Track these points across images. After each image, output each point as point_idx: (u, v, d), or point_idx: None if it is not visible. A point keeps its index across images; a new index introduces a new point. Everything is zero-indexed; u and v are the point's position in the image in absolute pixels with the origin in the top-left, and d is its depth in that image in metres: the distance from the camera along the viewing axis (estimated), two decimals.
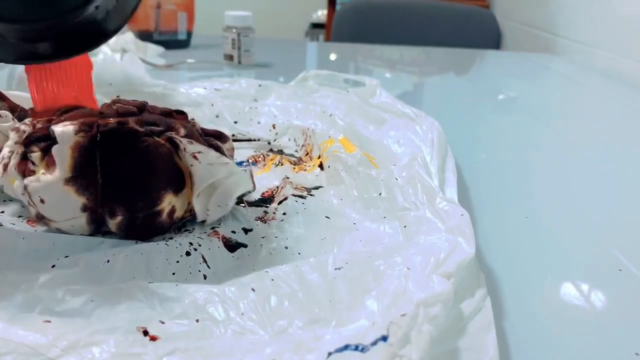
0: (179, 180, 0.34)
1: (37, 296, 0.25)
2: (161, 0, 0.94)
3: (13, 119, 0.36)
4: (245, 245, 0.33)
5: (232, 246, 0.33)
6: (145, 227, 0.33)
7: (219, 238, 0.33)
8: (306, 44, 1.40)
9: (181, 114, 0.40)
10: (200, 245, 0.31)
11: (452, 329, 0.25)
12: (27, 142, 0.34)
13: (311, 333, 0.24)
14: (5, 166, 0.35)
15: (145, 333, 0.24)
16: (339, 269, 0.28)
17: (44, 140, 0.33)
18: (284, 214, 0.37)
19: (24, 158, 0.34)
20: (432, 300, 0.24)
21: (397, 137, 0.49)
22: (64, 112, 0.39)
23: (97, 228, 0.33)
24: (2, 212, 0.36)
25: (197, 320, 0.25)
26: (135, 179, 0.32)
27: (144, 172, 0.32)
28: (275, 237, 0.34)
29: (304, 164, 0.47)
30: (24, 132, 0.35)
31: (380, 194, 0.38)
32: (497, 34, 1.52)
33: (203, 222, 0.35)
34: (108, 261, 0.28)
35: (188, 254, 0.31)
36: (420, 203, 0.35)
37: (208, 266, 0.30)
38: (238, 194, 0.35)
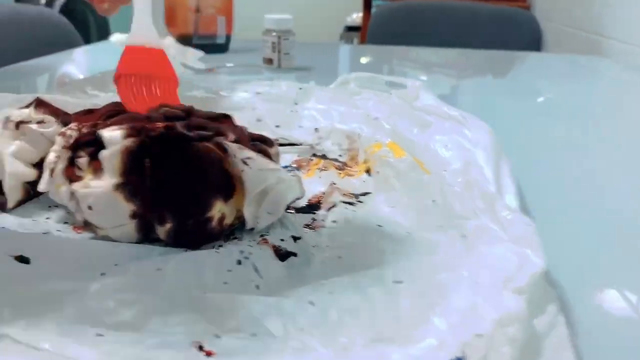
0: (229, 186, 0.32)
1: (88, 307, 0.24)
2: (200, 5, 0.94)
3: (57, 123, 0.36)
4: (295, 254, 0.32)
5: (282, 255, 0.32)
6: (194, 234, 0.32)
7: (269, 246, 0.32)
8: (343, 47, 1.38)
9: (227, 118, 0.39)
10: (251, 253, 0.30)
11: (528, 349, 0.23)
12: (74, 147, 0.33)
13: (376, 352, 0.22)
14: (52, 171, 0.34)
15: (201, 348, 0.23)
16: (400, 282, 0.27)
17: (91, 145, 0.33)
18: (334, 221, 0.35)
19: (71, 163, 0.33)
20: (508, 320, 0.22)
21: (444, 141, 0.47)
22: (110, 117, 0.39)
23: (145, 235, 0.32)
24: (48, 218, 0.35)
25: (254, 335, 0.24)
26: (185, 185, 0.31)
27: (195, 178, 0.31)
28: (327, 246, 0.32)
29: (350, 169, 0.46)
30: (70, 136, 0.35)
31: (434, 201, 0.36)
32: (538, 36, 1.48)
33: (251, 229, 0.34)
34: (159, 269, 0.27)
35: (239, 262, 0.30)
36: (480, 211, 0.33)
37: (260, 276, 0.29)
38: (289, 201, 0.34)
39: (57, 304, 0.24)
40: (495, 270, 0.26)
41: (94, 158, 0.33)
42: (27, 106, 0.37)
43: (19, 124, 0.35)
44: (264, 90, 0.61)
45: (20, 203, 0.35)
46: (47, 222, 0.35)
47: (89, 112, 0.40)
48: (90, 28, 1.84)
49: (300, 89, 0.60)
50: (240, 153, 0.32)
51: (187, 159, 0.31)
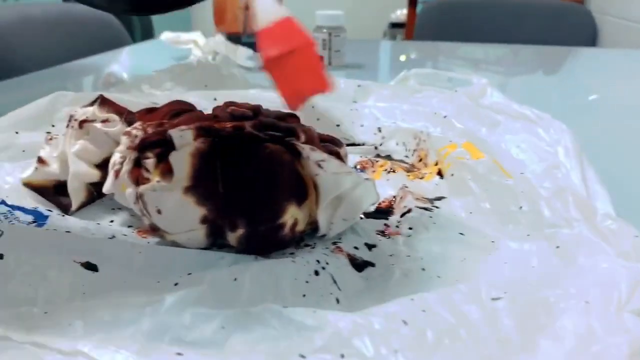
0: (302, 190, 0.30)
1: (164, 322, 0.23)
2: (249, 2, 0.93)
3: (122, 122, 0.34)
4: (373, 265, 0.30)
5: (359, 265, 0.30)
6: (266, 241, 0.30)
7: (344, 255, 0.30)
8: (390, 44, 1.34)
9: (294, 118, 0.37)
10: (327, 263, 0.28)
11: None
12: (141, 147, 0.32)
13: None
14: (117, 172, 0.33)
15: None
16: (498, 299, 0.24)
17: (158, 146, 0.31)
18: (410, 228, 0.33)
19: (137, 164, 0.32)
20: (637, 347, 0.19)
21: (516, 141, 0.44)
22: (174, 115, 0.37)
23: (214, 241, 0.30)
24: (112, 221, 0.34)
25: (342, 356, 0.22)
26: (258, 189, 0.29)
27: (268, 181, 0.29)
28: (407, 255, 0.30)
29: (419, 171, 0.43)
30: (135, 136, 0.33)
31: (521, 207, 0.33)
32: (592, 30, 1.41)
33: (322, 236, 0.32)
34: (235, 279, 0.26)
35: (317, 273, 0.27)
36: (574, 220, 0.30)
37: (339, 288, 0.27)
38: (365, 206, 0.31)
39: (132, 318, 0.23)
40: (606, 287, 0.24)
41: (161, 159, 0.31)
42: (91, 104, 0.35)
43: (82, 123, 0.34)
44: None
45: (83, 205, 0.34)
46: (111, 225, 0.34)
47: (151, 110, 0.39)
48: (134, 27, 1.88)
49: (359, 86, 0.58)
50: (313, 155, 0.30)
51: (260, 161, 0.30)
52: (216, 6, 0.97)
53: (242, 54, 0.83)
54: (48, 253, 0.27)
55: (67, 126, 0.35)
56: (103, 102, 0.35)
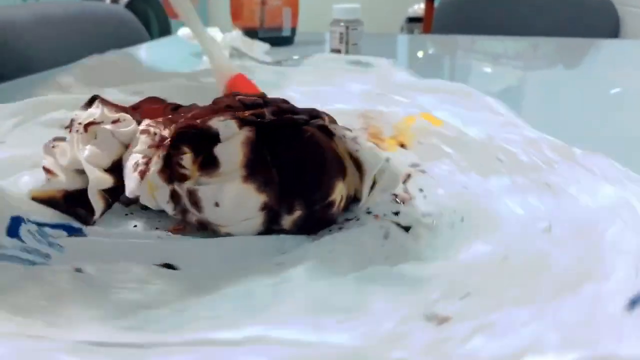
0: (342, 167, 0.32)
1: (309, 292, 0.23)
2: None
3: (137, 122, 0.33)
4: (410, 227, 0.33)
5: (404, 227, 0.32)
6: (320, 220, 0.31)
7: (388, 221, 0.32)
8: (407, 38, 1.30)
9: (286, 103, 0.38)
10: (387, 227, 0.31)
11: None
12: (173, 144, 0.31)
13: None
14: (142, 173, 0.31)
15: (432, 318, 0.23)
16: (549, 230, 0.29)
17: (194, 140, 0.30)
18: (421, 190, 0.37)
19: (167, 162, 0.31)
20: None
21: (458, 112, 0.50)
22: (173, 111, 0.36)
23: (268, 227, 0.31)
24: (135, 226, 0.32)
25: (468, 294, 0.25)
26: (310, 170, 0.30)
27: (317, 161, 0.31)
28: (440, 213, 0.34)
29: (378, 146, 0.47)
30: (155, 134, 0.32)
31: (499, 159, 0.39)
32: (615, 22, 1.37)
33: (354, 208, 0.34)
34: (330, 252, 0.27)
35: (386, 237, 0.30)
36: (554, 162, 0.36)
37: (406, 247, 0.30)
38: (401, 177, 0.34)
39: (277, 294, 0.23)
40: (620, 208, 0.30)
41: (199, 153, 0.30)
42: (87, 106, 0.33)
43: (88, 126, 0.31)
44: None
45: (102, 213, 0.32)
46: (136, 228, 0.32)
47: (134, 109, 0.37)
48: (151, 24, 1.81)
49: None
50: (348, 134, 0.32)
51: (305, 143, 0.31)
52: (233, 2, 0.96)
53: (259, 48, 0.83)
54: (124, 260, 0.26)
55: (70, 131, 0.32)
56: (104, 102, 0.32)
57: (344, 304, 0.23)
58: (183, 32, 0.86)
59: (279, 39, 0.97)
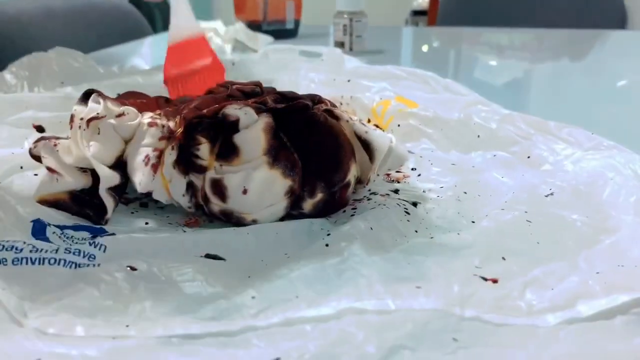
0: (352, 150, 0.33)
1: (344, 271, 0.24)
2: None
3: (141, 114, 0.31)
4: (415, 204, 0.34)
5: (412, 203, 0.34)
6: (337, 201, 0.32)
7: (396, 200, 0.34)
8: (412, 30, 1.25)
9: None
10: (407, 208, 0.32)
11: None
12: (187, 135, 0.30)
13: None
14: (155, 167, 0.30)
15: (485, 279, 0.25)
16: (550, 194, 0.32)
17: (208, 130, 0.30)
18: (414, 169, 0.38)
19: (182, 153, 0.30)
20: None
21: (424, 95, 0.52)
22: (166, 103, 0.35)
23: (289, 212, 0.31)
24: (147, 223, 0.31)
25: (504, 259, 0.26)
26: (328, 153, 0.31)
27: (333, 144, 0.31)
28: (441, 187, 0.35)
29: None
30: (163, 126, 0.31)
31: (478, 136, 0.41)
32: (621, 12, 1.35)
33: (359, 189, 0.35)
34: (371, 228, 0.28)
35: (407, 212, 0.31)
36: (531, 135, 0.39)
37: (427, 222, 0.31)
38: (406, 156, 0.35)
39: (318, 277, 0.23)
40: (608, 168, 0.33)
41: (215, 143, 0.30)
42: (83, 101, 0.31)
43: (90, 121, 0.29)
44: None
45: (112, 211, 0.30)
46: (148, 225, 0.31)
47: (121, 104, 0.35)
48: (155, 18, 1.77)
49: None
50: (354, 117, 0.33)
51: (320, 127, 0.31)
52: None
53: (262, 41, 0.81)
54: (171, 255, 0.25)
55: (71, 128, 0.30)
56: (103, 96, 0.31)
57: (406, 274, 0.24)
58: None
59: (282, 32, 0.96)
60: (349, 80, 0.53)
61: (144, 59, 0.82)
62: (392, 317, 0.21)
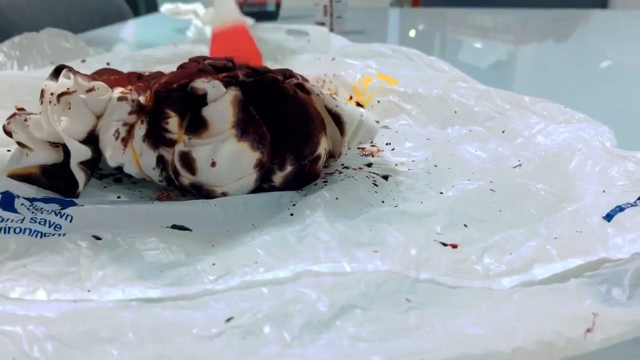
0: (323, 123, 0.33)
1: (326, 235, 0.24)
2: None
3: (111, 89, 0.31)
4: (386, 177, 0.34)
5: (383, 177, 0.34)
6: (307, 175, 0.32)
7: (367, 172, 0.34)
8: (395, 11, 1.23)
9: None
10: (376, 180, 0.32)
11: None
12: (156, 108, 0.30)
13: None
14: (125, 141, 0.31)
15: (444, 244, 0.25)
16: (519, 165, 0.32)
17: (177, 104, 0.30)
18: (388, 143, 0.39)
19: (151, 127, 0.30)
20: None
21: (406, 72, 0.52)
22: (138, 79, 0.35)
23: (259, 185, 0.31)
24: (119, 197, 0.31)
25: (466, 225, 0.27)
26: (297, 126, 0.31)
27: (303, 117, 0.31)
28: (412, 160, 0.36)
29: None
30: (133, 100, 0.31)
31: (455, 112, 0.41)
32: None
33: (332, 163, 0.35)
34: (337, 199, 0.28)
35: (375, 184, 0.31)
36: (506, 110, 0.40)
37: (401, 193, 0.31)
38: (377, 130, 0.35)
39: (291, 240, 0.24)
40: (577, 140, 0.33)
41: (184, 116, 0.30)
42: (54, 76, 0.31)
43: (60, 96, 0.30)
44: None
45: (84, 186, 0.31)
46: (120, 199, 0.31)
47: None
48: (139, 2, 1.70)
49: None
50: (324, 91, 0.33)
51: (289, 100, 0.31)
52: None
53: None
54: (137, 225, 0.25)
55: (42, 103, 0.30)
56: (74, 71, 0.31)
57: (365, 240, 0.25)
58: (166, 7, 0.84)
59: (263, 14, 0.96)
60: (333, 59, 0.53)
61: (129, 42, 0.82)
62: (347, 278, 0.21)
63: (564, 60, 0.73)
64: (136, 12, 1.20)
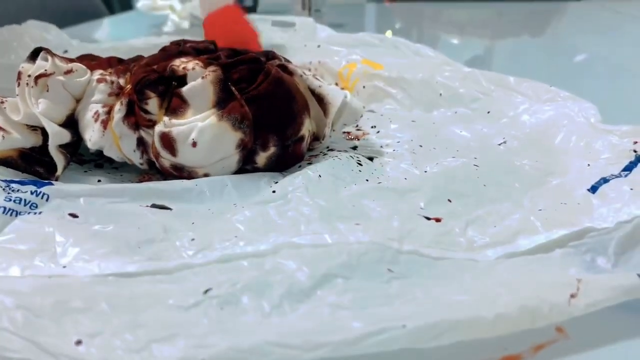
0: (306, 104, 0.33)
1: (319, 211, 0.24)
2: None
3: (90, 72, 0.31)
4: (371, 159, 0.34)
5: (369, 158, 0.34)
6: (291, 156, 0.32)
7: (354, 153, 0.34)
8: (372, 6, 1.24)
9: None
10: (360, 160, 0.32)
11: None
12: (136, 90, 0.30)
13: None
14: (105, 123, 0.30)
15: (428, 218, 0.25)
16: (504, 142, 0.32)
17: (157, 85, 0.30)
18: (373, 127, 0.38)
19: (131, 109, 0.30)
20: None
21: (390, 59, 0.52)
22: (119, 63, 0.35)
23: (242, 166, 0.31)
24: (99, 180, 0.31)
25: (450, 200, 0.27)
26: (281, 106, 0.31)
27: (286, 98, 0.31)
28: (397, 142, 0.35)
29: None
30: (112, 82, 0.31)
31: (440, 94, 0.41)
32: None
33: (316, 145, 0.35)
34: (320, 176, 0.28)
35: (359, 164, 0.31)
36: (491, 91, 0.39)
37: (381, 174, 0.31)
38: (362, 111, 0.35)
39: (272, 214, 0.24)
40: (563, 117, 0.33)
41: (164, 97, 0.30)
42: (32, 58, 0.31)
43: (38, 78, 0.29)
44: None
45: (63, 169, 0.30)
46: (99, 184, 0.31)
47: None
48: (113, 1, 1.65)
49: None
50: (307, 72, 0.33)
51: (272, 80, 0.31)
52: None
53: None
54: (114, 205, 0.25)
55: (19, 85, 0.29)
56: (51, 53, 0.31)
57: (347, 214, 0.24)
58: (143, 3, 0.83)
59: (242, 8, 0.95)
60: (319, 46, 0.53)
61: (105, 40, 0.81)
62: (328, 249, 0.21)
63: (540, 54, 0.73)
64: (111, 10, 1.18)
